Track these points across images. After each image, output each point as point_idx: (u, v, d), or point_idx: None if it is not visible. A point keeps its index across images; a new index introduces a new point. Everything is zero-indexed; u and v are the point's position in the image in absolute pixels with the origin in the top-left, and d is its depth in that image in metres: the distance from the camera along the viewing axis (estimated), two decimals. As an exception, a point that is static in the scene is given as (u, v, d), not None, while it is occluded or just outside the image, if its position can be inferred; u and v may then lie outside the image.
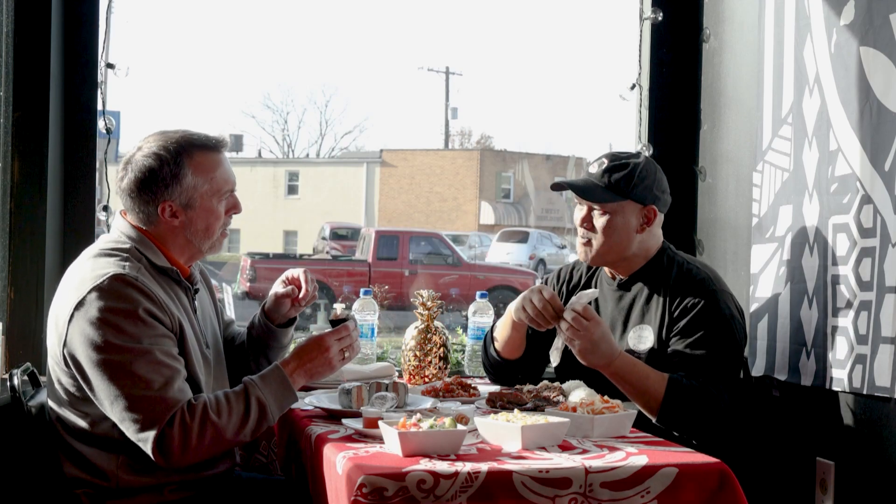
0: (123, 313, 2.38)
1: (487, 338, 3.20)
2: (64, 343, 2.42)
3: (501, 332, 3.09)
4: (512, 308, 2.97)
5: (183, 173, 2.52)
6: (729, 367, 2.84)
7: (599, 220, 2.95)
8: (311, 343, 2.59)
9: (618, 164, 2.95)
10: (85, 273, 2.46)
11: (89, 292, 2.39)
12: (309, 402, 2.73)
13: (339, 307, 2.70)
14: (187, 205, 2.54)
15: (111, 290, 2.39)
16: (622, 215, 2.94)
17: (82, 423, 2.46)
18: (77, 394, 2.44)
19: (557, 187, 3.08)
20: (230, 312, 3.23)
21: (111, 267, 2.44)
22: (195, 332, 2.59)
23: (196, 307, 2.65)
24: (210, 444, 2.39)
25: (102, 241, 2.57)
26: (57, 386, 2.49)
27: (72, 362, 2.41)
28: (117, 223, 2.59)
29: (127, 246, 2.52)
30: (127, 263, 2.46)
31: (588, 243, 2.99)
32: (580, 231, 3.00)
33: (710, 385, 2.76)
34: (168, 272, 2.55)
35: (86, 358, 2.38)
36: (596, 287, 3.09)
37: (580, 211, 3.00)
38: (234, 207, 2.64)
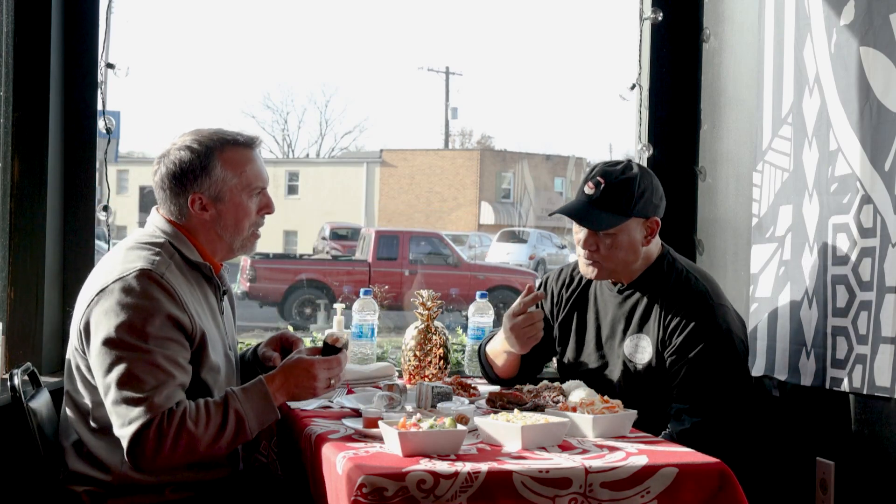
0: (138, 309, 2.41)
1: (483, 359, 3.20)
2: (81, 322, 2.47)
3: (496, 360, 3.10)
4: (504, 344, 2.99)
5: (212, 165, 2.57)
6: (728, 385, 2.82)
7: (604, 242, 2.89)
8: (300, 368, 2.56)
9: (615, 183, 2.87)
10: (115, 263, 2.50)
11: (114, 282, 2.44)
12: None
13: (336, 332, 2.67)
14: (217, 198, 2.58)
15: (134, 285, 2.42)
16: (627, 233, 2.89)
17: (96, 410, 2.48)
18: (94, 382, 2.47)
19: (556, 214, 3.02)
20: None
21: (140, 261, 2.47)
22: (220, 333, 2.62)
23: (223, 308, 2.68)
24: (184, 453, 2.39)
25: (137, 235, 2.61)
26: (74, 372, 2.52)
27: (85, 340, 2.46)
28: (153, 218, 2.63)
29: (161, 240, 2.56)
30: (157, 258, 2.50)
31: (594, 263, 2.93)
32: (583, 252, 2.93)
33: (706, 424, 2.75)
34: (200, 267, 2.59)
35: (94, 343, 2.43)
36: (596, 291, 3.08)
37: (580, 231, 2.94)
38: (266, 207, 2.66)
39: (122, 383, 2.37)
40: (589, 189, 2.91)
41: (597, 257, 2.92)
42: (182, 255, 2.56)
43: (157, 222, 2.61)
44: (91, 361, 2.44)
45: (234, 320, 2.84)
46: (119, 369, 2.38)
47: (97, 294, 2.45)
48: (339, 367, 2.60)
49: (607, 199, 2.88)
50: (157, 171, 2.61)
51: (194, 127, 2.65)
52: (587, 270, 2.96)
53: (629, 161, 2.98)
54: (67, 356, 2.57)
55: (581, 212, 2.91)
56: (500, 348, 3.07)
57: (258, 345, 2.92)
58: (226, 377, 2.61)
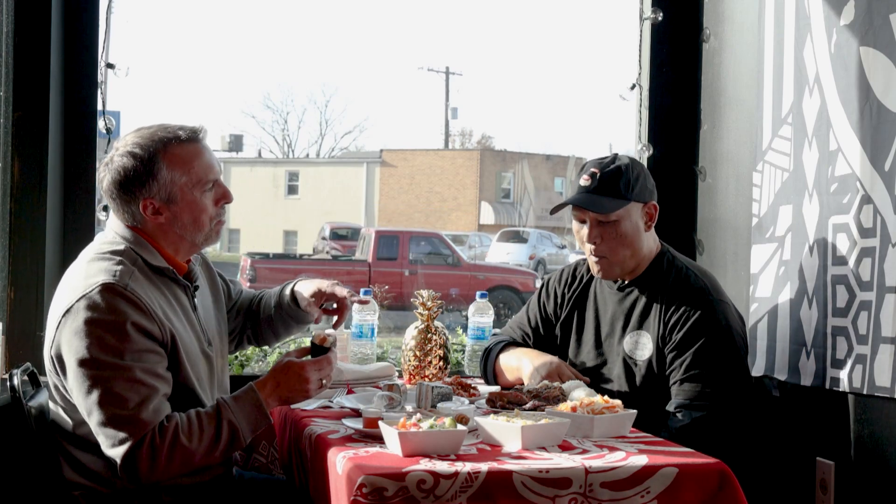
0: (108, 326, 2.35)
1: (490, 366, 3.16)
2: (52, 347, 2.42)
3: (508, 374, 3.08)
4: (523, 371, 2.98)
5: (157, 168, 2.48)
6: (729, 380, 2.82)
7: (608, 231, 2.90)
8: (290, 371, 2.53)
9: (608, 171, 2.91)
10: (77, 279, 2.44)
11: (78, 300, 2.37)
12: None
13: (322, 331, 2.67)
14: (169, 199, 2.50)
15: (99, 301, 2.36)
16: (629, 219, 2.91)
17: (79, 428, 2.45)
18: (70, 398, 2.44)
19: (558, 209, 3.04)
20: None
21: (102, 274, 2.41)
22: (195, 331, 2.57)
23: (197, 304, 2.62)
24: (179, 466, 2.38)
25: (98, 242, 2.55)
26: (53, 389, 2.49)
27: (59, 366, 2.41)
28: (111, 223, 2.56)
29: (122, 247, 2.49)
30: (119, 268, 2.43)
31: (603, 258, 2.94)
32: (589, 248, 2.94)
33: (706, 419, 2.75)
34: (165, 272, 2.52)
35: (69, 367, 2.38)
36: (596, 289, 3.08)
37: (582, 227, 2.95)
38: (223, 197, 2.57)
39: (104, 403, 2.33)
40: (585, 181, 2.94)
41: (603, 250, 2.92)
42: (145, 260, 2.49)
43: (116, 227, 2.54)
44: (69, 385, 2.39)
45: (220, 305, 2.77)
46: (99, 389, 2.33)
47: (63, 315, 2.38)
48: (330, 367, 2.58)
49: (605, 186, 2.91)
50: (103, 179, 2.52)
51: (138, 126, 2.56)
52: (597, 270, 2.97)
53: (615, 154, 3.02)
54: (48, 372, 2.52)
55: (583, 199, 2.93)
56: (516, 367, 3.04)
57: (294, 283, 2.88)
58: (205, 375, 2.57)
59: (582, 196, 2.93)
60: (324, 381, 2.57)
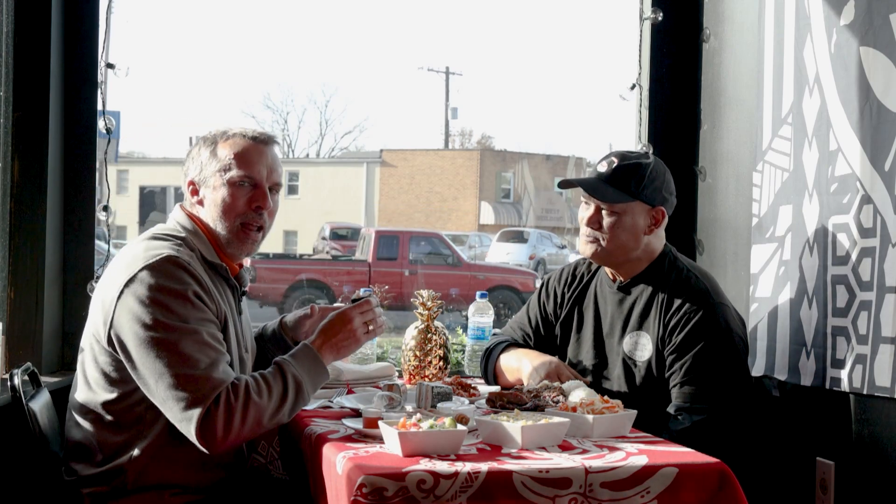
0: (173, 293, 2.38)
1: (490, 366, 3.17)
2: (111, 324, 2.41)
3: (508, 375, 3.08)
4: (522, 372, 2.98)
5: (201, 151, 2.59)
6: (729, 383, 2.82)
7: (607, 220, 2.92)
8: (334, 319, 2.59)
9: (628, 163, 2.92)
10: (137, 253, 2.47)
11: (140, 270, 2.40)
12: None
13: (360, 291, 2.77)
14: (201, 181, 2.59)
15: (162, 270, 2.40)
16: (631, 215, 2.92)
17: (108, 408, 2.45)
18: (114, 375, 2.44)
19: (566, 185, 3.05)
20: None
21: (164, 249, 2.46)
22: (237, 333, 2.61)
23: (242, 309, 2.67)
24: (252, 425, 2.37)
25: (157, 228, 2.60)
26: (92, 368, 2.48)
27: (117, 342, 2.41)
28: (173, 213, 2.63)
29: (182, 235, 2.55)
30: (180, 248, 2.49)
31: (594, 241, 2.95)
32: (586, 230, 2.96)
33: (707, 422, 2.75)
34: (217, 268, 2.57)
35: (132, 335, 2.37)
36: (596, 288, 3.08)
37: (586, 210, 2.97)
38: (255, 199, 2.58)
39: (175, 364, 2.33)
40: (602, 167, 2.96)
41: (597, 236, 2.94)
42: (201, 253, 2.54)
43: (177, 217, 2.61)
44: (133, 354, 2.37)
45: (251, 328, 2.84)
46: (168, 352, 2.34)
47: (125, 286, 2.39)
48: (372, 311, 2.63)
49: (617, 177, 2.92)
50: None
51: (201, 128, 2.69)
52: (586, 248, 2.98)
53: (648, 152, 3.04)
54: (82, 351, 2.53)
55: (590, 184, 2.95)
56: (516, 367, 3.05)
57: (283, 317, 2.94)
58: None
59: (592, 180, 2.96)
60: (370, 326, 2.62)
